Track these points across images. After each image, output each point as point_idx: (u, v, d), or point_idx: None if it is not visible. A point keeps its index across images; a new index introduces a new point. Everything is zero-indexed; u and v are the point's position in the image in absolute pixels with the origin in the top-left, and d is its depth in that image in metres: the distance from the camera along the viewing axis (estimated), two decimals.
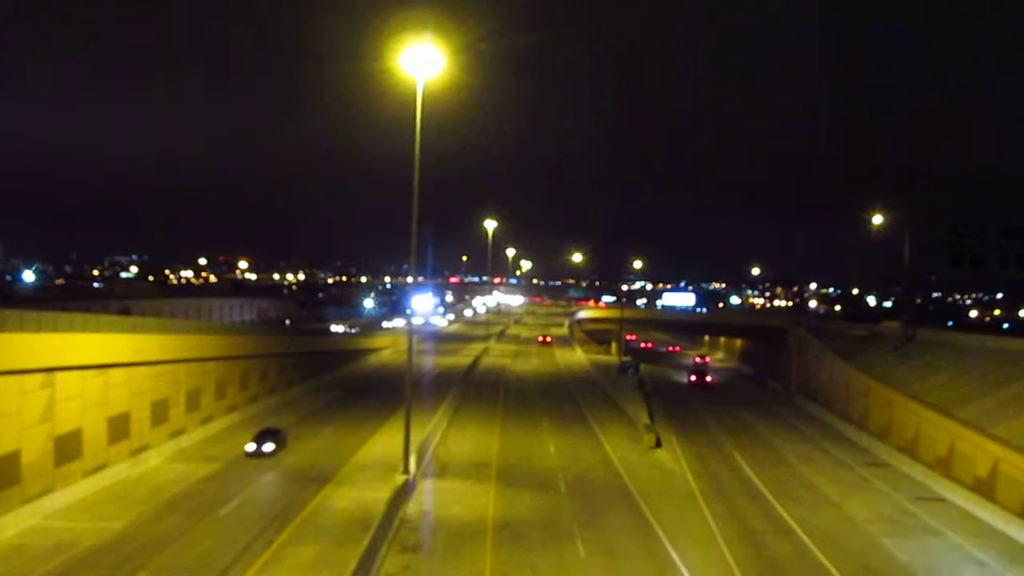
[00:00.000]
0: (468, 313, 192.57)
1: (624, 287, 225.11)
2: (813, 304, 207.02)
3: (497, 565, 28.21)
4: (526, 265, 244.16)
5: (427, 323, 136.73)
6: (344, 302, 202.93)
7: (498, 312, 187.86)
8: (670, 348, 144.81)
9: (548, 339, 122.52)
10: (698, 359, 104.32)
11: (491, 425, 54.80)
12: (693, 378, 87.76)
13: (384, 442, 47.13)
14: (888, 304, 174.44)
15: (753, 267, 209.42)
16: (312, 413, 57.09)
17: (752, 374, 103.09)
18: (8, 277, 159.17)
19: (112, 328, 38.08)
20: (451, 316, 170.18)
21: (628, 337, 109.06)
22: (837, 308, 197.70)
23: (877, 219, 74.63)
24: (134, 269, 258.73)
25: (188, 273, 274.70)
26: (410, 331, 40.96)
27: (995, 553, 32.42)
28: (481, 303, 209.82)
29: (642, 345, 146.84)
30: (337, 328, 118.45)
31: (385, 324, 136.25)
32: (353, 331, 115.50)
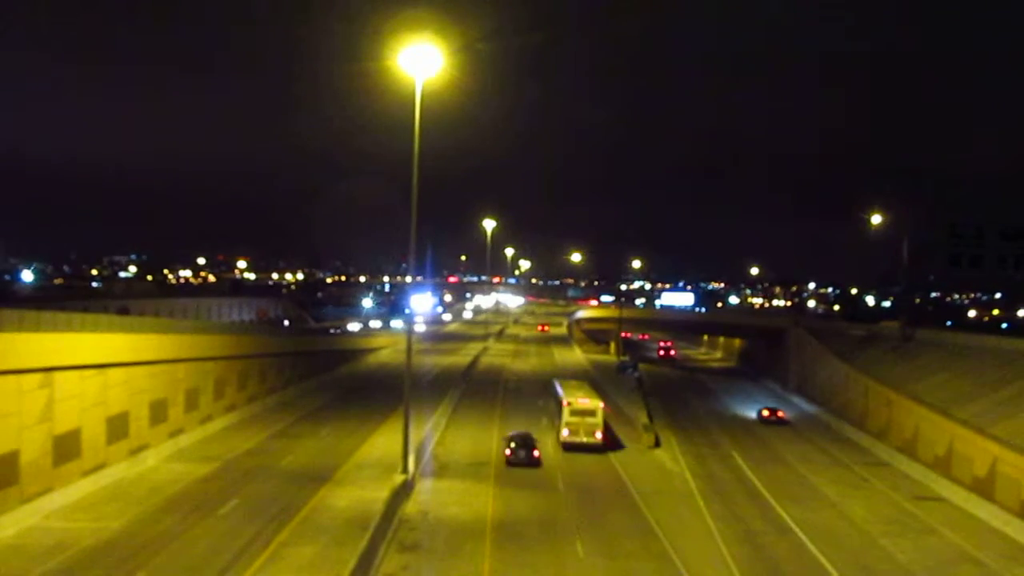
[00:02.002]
0: (447, 317, 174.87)
1: (623, 287, 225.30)
2: (812, 304, 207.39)
3: (496, 565, 28.21)
4: (525, 265, 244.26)
5: (387, 326, 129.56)
6: (343, 302, 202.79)
7: (497, 312, 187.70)
8: (641, 336, 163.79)
9: (547, 328, 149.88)
10: (663, 343, 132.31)
11: (490, 424, 54.79)
12: (661, 353, 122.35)
13: (383, 442, 47.13)
14: (887, 304, 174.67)
15: (752, 267, 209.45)
16: (311, 413, 57.06)
17: (751, 373, 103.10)
18: (7, 277, 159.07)
19: (111, 328, 38.02)
20: (422, 321, 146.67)
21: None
22: (836, 308, 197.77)
23: (876, 219, 74.76)
24: (133, 269, 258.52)
25: (187, 273, 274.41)
26: (408, 331, 40.93)
27: (993, 553, 32.44)
28: (468, 307, 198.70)
29: (621, 335, 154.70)
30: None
31: (334, 331, 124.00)
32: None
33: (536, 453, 44.00)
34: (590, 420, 48.09)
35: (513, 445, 44.23)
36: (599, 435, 48.06)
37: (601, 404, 49.70)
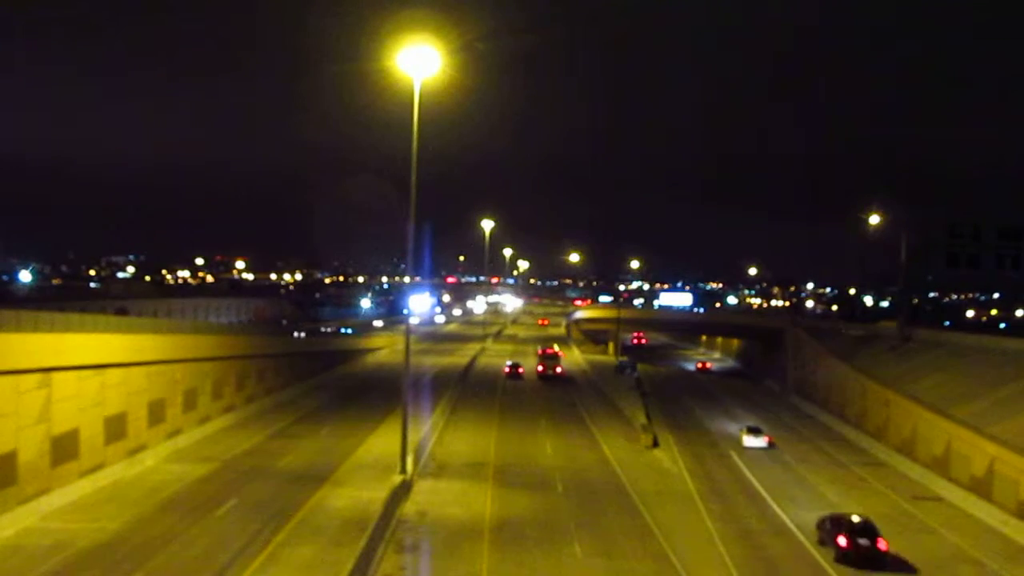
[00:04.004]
0: (415, 321, 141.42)
1: (621, 287, 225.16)
2: (810, 304, 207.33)
3: (494, 565, 28.17)
4: (523, 265, 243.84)
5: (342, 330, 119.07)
6: (341, 302, 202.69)
7: (495, 313, 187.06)
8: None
9: (547, 322, 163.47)
10: (636, 333, 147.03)
11: (488, 425, 54.76)
12: (634, 341, 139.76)
13: (381, 442, 47.09)
14: (885, 304, 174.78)
15: (750, 267, 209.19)
16: (309, 413, 57.00)
17: (749, 373, 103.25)
18: (5, 277, 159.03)
19: (109, 328, 37.99)
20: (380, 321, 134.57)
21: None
22: (834, 308, 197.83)
23: (874, 219, 74.76)
24: (131, 269, 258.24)
25: (185, 273, 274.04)
26: (407, 331, 40.92)
27: (992, 552, 32.46)
28: (439, 315, 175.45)
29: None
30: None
31: (297, 334, 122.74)
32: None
33: (521, 370, 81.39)
34: (553, 362, 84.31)
35: (510, 367, 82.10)
36: (559, 370, 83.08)
37: (561, 353, 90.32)
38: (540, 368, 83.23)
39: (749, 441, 52.78)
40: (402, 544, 29.94)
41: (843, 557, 30.12)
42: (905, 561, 31.00)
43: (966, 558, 31.87)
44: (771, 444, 53.06)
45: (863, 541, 30.16)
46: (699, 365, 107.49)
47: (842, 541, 30.25)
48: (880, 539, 30.47)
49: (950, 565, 31.07)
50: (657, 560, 29.63)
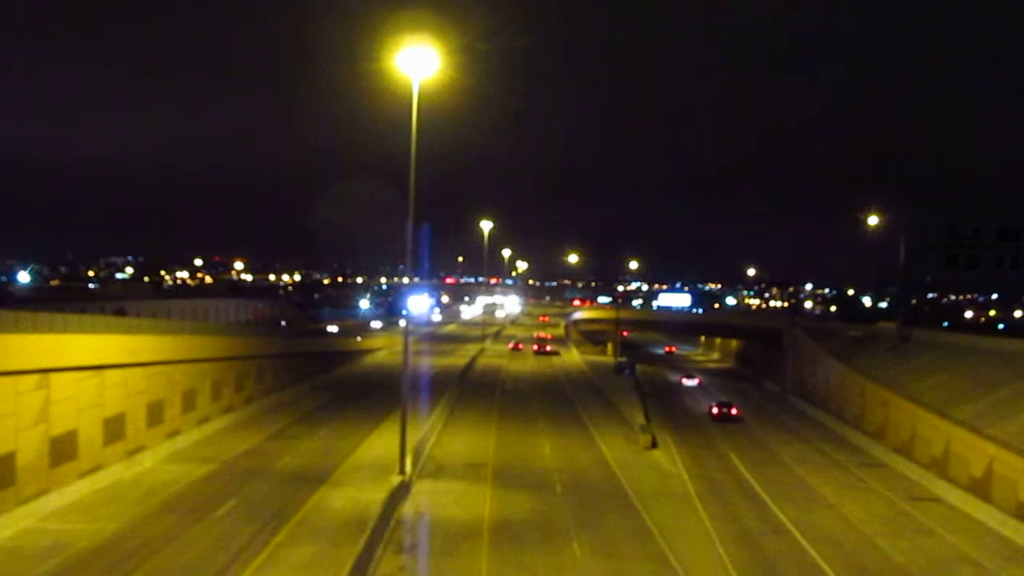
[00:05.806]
0: (377, 324, 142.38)
1: (620, 288, 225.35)
2: (809, 305, 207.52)
3: (493, 566, 28.16)
4: (522, 266, 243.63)
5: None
6: (340, 303, 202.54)
7: (492, 315, 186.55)
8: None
9: (547, 318, 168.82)
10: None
11: (487, 426, 54.75)
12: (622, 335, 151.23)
13: (380, 443, 47.08)
14: (884, 305, 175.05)
15: (749, 268, 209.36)
16: (308, 414, 56.98)
17: (748, 374, 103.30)
18: (3, 278, 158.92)
19: (107, 329, 37.96)
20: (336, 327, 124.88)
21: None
22: (833, 309, 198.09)
23: (873, 220, 74.84)
24: (129, 270, 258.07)
25: (184, 274, 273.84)
26: (406, 332, 40.91)
27: (990, 553, 32.47)
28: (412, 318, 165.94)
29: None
30: None
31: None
32: None
33: (520, 346, 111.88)
34: (544, 343, 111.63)
35: (513, 344, 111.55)
36: (549, 348, 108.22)
37: (550, 336, 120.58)
38: (535, 347, 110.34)
39: (687, 382, 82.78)
40: (401, 545, 29.92)
41: (715, 418, 61.69)
42: (743, 418, 62.75)
43: (965, 559, 31.87)
44: (701, 384, 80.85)
45: (724, 409, 62.25)
46: (666, 349, 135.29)
47: (714, 410, 62.74)
48: (734, 407, 62.72)
49: (949, 566, 31.08)
50: (656, 561, 29.62)
